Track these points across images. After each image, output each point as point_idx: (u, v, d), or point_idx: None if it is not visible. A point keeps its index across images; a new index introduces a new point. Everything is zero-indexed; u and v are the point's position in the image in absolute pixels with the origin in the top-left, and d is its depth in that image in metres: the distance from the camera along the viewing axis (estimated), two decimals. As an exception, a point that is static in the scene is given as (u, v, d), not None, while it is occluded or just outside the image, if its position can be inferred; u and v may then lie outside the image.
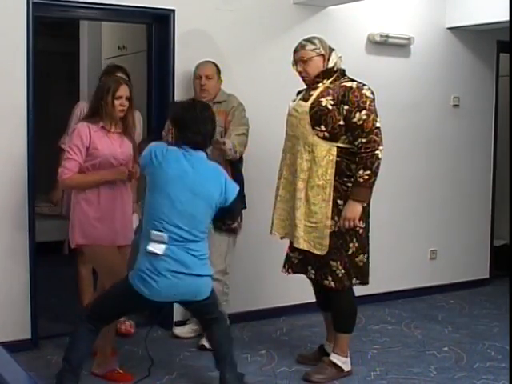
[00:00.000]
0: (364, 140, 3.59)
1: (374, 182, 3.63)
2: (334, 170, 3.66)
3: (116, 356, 3.97)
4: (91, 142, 3.64)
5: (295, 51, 3.83)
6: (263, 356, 4.25)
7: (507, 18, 4.24)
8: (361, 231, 3.77)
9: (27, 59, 4.08)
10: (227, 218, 3.50)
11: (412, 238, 5.71)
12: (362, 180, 3.60)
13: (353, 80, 3.73)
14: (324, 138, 3.67)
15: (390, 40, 5.33)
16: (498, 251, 6.28)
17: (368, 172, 3.59)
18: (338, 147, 3.66)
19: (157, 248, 3.25)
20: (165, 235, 3.25)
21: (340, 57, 3.81)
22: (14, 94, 4.07)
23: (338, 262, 3.73)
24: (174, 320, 4.66)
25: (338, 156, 3.66)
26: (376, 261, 5.48)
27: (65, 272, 6.20)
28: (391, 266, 5.57)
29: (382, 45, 5.35)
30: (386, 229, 5.55)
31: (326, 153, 3.66)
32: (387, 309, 5.36)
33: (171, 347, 4.36)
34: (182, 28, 4.53)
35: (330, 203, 3.68)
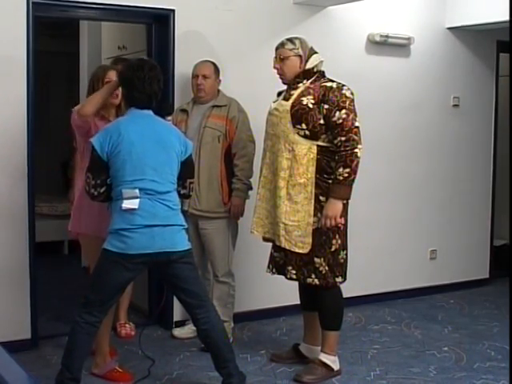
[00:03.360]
0: (343, 138, 3.63)
1: (353, 180, 3.67)
2: (314, 168, 3.71)
3: (115, 356, 3.98)
4: (92, 128, 3.68)
5: (276, 48, 3.88)
6: (263, 356, 4.25)
7: (507, 18, 4.25)
8: (342, 227, 3.80)
9: (27, 59, 4.08)
10: (187, 174, 3.51)
11: (412, 238, 5.71)
12: (341, 178, 3.63)
13: (332, 81, 3.77)
14: (304, 137, 3.71)
15: (390, 40, 5.33)
16: (497, 251, 6.29)
17: (347, 170, 3.62)
18: (318, 146, 3.71)
19: (131, 203, 3.28)
20: (136, 190, 3.29)
21: (322, 61, 3.85)
22: (13, 94, 4.08)
23: (322, 259, 3.75)
24: (174, 320, 4.67)
25: (318, 154, 3.71)
26: (376, 261, 5.53)
27: (65, 272, 6.22)
28: (391, 266, 5.58)
29: (382, 45, 5.35)
30: (387, 229, 5.56)
31: (307, 151, 3.70)
32: (387, 309, 5.37)
33: (171, 347, 4.37)
34: (181, 28, 4.54)
35: (312, 201, 3.72)
